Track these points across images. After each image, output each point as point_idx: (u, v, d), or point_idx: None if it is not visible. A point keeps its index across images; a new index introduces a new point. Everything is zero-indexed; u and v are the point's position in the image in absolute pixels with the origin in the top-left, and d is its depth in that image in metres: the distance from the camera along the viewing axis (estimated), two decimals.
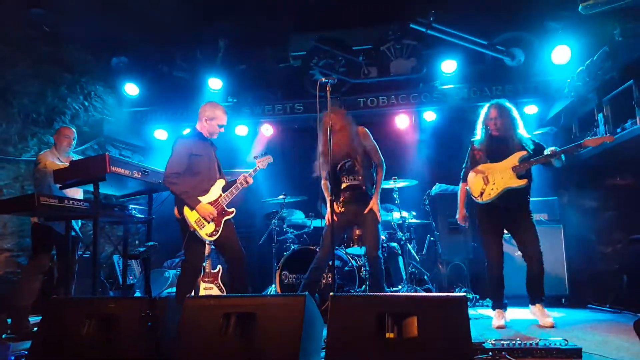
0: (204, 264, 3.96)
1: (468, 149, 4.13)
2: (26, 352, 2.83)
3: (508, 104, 3.95)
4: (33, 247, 4.37)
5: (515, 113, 3.94)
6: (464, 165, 4.17)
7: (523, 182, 3.81)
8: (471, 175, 4.01)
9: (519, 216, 3.89)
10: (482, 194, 3.89)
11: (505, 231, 4.05)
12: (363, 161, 4.10)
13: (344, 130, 4.09)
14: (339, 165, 4.16)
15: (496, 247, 3.92)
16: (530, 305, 3.93)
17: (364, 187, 4.11)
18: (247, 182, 3.93)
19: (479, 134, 4.06)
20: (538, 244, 3.80)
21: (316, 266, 4.08)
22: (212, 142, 3.96)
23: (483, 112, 4.00)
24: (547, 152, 3.77)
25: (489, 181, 3.88)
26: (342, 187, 4.17)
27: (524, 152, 3.83)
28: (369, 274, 4.31)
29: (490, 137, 3.96)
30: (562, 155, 3.72)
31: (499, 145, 3.92)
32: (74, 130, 4.71)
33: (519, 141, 3.89)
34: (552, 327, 3.68)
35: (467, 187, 4.04)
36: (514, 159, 3.83)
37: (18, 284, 4.51)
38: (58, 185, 4.12)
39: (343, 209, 4.10)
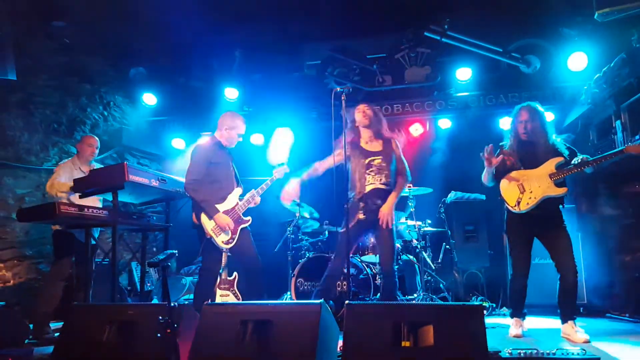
0: (220, 272, 4.01)
1: (496, 155, 3.87)
2: (48, 358, 2.89)
3: (539, 107, 3.71)
4: (55, 253, 4.46)
5: (547, 117, 3.72)
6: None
7: (563, 190, 3.55)
8: (504, 182, 3.75)
9: (553, 225, 3.65)
10: (518, 203, 3.64)
11: None
12: (390, 165, 3.86)
13: (378, 124, 3.86)
14: (367, 161, 3.80)
15: (525, 257, 3.76)
16: (561, 325, 3.69)
17: (390, 191, 3.78)
18: (254, 202, 3.98)
19: (509, 139, 3.82)
20: (572, 253, 3.59)
21: (330, 274, 3.87)
22: (229, 151, 4.02)
23: (513, 115, 3.77)
24: (578, 159, 3.50)
25: (525, 189, 3.63)
26: (367, 190, 3.74)
27: (560, 158, 3.58)
28: (382, 286, 4.07)
29: (520, 141, 3.72)
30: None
31: (530, 151, 3.68)
32: (97, 139, 4.76)
33: (552, 146, 3.65)
34: (587, 342, 3.39)
35: (501, 197, 3.79)
36: (550, 166, 3.58)
37: (40, 290, 4.60)
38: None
39: (364, 215, 3.68)
